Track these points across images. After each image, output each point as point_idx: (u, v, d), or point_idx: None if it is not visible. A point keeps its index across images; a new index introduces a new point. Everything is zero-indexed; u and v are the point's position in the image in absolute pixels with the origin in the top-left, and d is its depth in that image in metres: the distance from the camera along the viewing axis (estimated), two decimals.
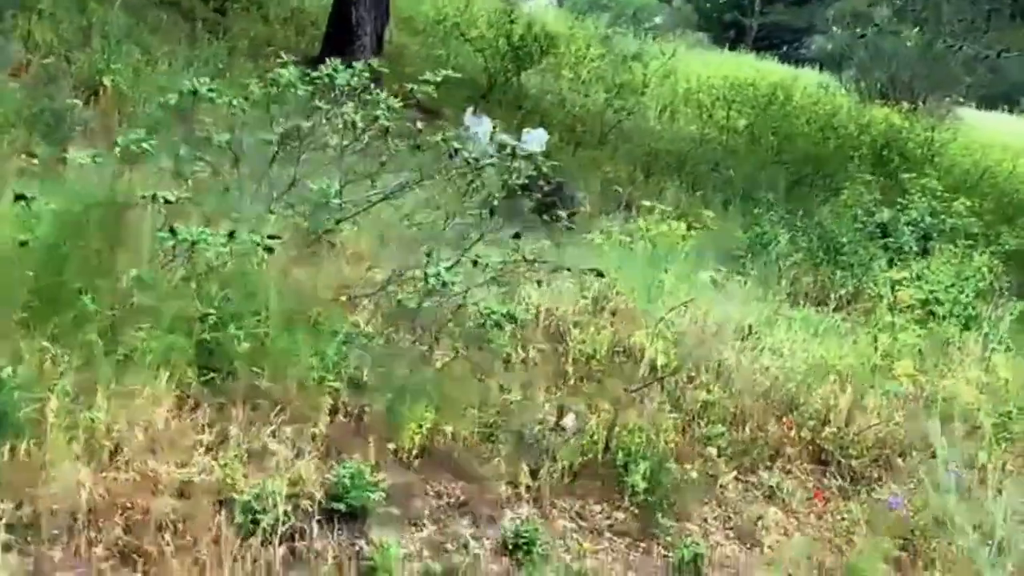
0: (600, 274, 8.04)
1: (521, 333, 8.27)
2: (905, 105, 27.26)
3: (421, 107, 16.07)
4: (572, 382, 8.19)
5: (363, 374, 6.63)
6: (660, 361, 8.41)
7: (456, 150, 6.98)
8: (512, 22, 19.90)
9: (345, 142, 6.91)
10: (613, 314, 8.78)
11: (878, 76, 29.12)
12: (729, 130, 21.04)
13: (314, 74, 6.96)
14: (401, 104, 7.34)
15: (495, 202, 7.55)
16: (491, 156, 14.91)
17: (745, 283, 11.56)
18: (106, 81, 10.03)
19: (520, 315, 6.92)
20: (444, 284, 6.43)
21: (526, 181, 9.78)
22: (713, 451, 7.87)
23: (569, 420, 7.95)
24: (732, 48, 35.16)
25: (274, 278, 6.42)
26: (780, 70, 28.11)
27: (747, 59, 31.89)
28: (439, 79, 7.20)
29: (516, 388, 7.54)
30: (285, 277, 6.55)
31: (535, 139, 15.78)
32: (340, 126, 6.81)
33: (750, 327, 9.93)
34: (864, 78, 29.50)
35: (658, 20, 40.69)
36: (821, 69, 32.56)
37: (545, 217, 9.83)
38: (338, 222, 6.89)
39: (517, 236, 7.18)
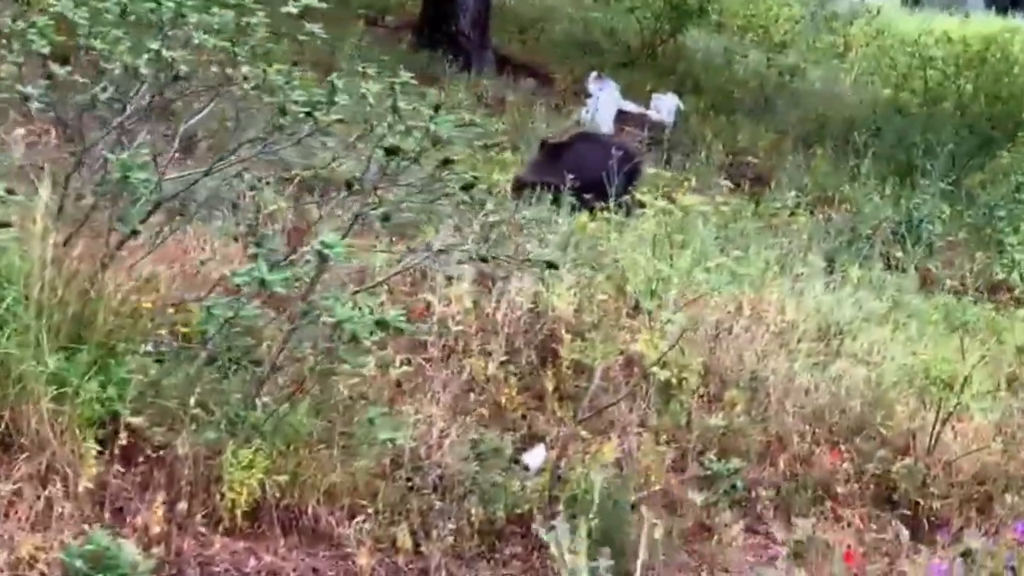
0: (552, 266, 6.23)
1: (493, 341, 6.61)
2: None
3: (531, 72, 14.52)
4: (550, 406, 6.45)
5: (179, 407, 4.96)
6: (671, 374, 6.59)
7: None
8: None
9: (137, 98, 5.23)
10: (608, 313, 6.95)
11: None
12: (923, 93, 18.58)
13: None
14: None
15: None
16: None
17: (869, 270, 9.57)
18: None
19: (408, 324, 5.06)
20: (264, 285, 4.70)
21: None
22: (701, 497, 5.91)
23: (535, 455, 6.17)
24: (1003, 11, 31.82)
25: (46, 280, 4.83)
26: (1007, 26, 25.17)
27: (986, 18, 28.87)
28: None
29: (442, 417, 5.82)
30: (71, 281, 4.95)
31: (664, 105, 14.00)
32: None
33: (836, 325, 8.00)
34: None
35: None
36: None
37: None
38: (157, 205, 5.23)
39: (386, 218, 5.39)
